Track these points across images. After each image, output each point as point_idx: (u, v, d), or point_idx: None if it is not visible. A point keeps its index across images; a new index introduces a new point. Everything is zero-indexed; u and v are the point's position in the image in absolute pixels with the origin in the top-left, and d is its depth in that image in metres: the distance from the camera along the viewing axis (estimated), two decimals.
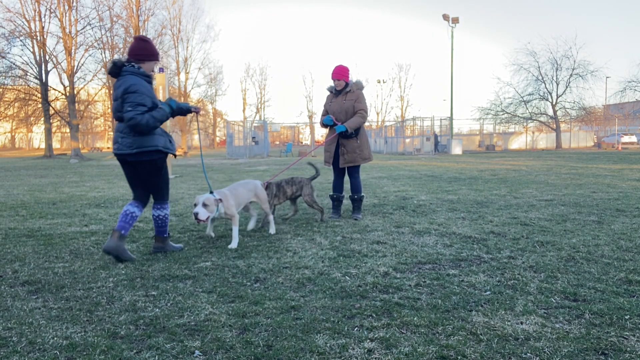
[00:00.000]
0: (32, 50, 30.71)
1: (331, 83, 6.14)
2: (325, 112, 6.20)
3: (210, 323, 2.71)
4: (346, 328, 2.62)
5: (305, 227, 5.48)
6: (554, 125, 42.79)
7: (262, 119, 59.25)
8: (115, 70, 4.11)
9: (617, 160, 19.54)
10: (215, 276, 3.61)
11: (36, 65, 30.88)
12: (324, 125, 6.24)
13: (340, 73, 5.98)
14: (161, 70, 16.38)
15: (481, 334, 2.51)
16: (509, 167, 15.71)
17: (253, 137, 32.15)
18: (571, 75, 42.27)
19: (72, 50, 30.97)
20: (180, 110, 4.37)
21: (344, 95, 5.98)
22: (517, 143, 45.70)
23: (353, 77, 6.13)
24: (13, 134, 58.93)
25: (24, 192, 9.76)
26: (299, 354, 2.33)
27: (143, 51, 4.18)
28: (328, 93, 6.25)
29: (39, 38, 30.46)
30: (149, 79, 4.14)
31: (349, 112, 5.94)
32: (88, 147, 57.01)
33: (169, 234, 4.42)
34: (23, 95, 32.45)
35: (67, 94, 31.40)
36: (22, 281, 3.53)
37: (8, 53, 30.57)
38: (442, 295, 3.12)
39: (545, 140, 45.37)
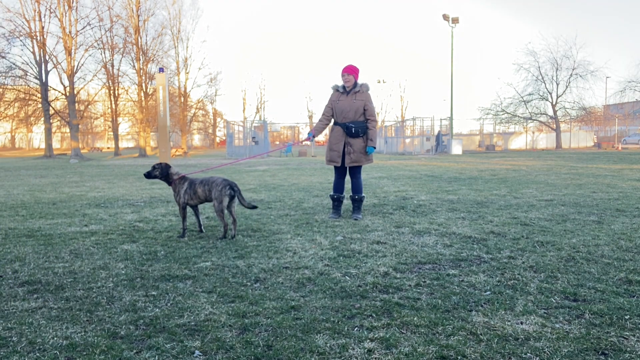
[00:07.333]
0: (32, 50, 30.72)
1: (336, 82, 6.15)
2: (330, 110, 6.12)
3: (210, 323, 2.71)
4: (346, 328, 2.62)
5: (305, 227, 5.48)
6: (554, 125, 42.77)
7: (262, 119, 59.27)
8: None
9: (617, 160, 19.54)
10: (215, 276, 3.61)
11: (36, 65, 30.88)
12: (308, 137, 6.28)
13: (352, 70, 5.99)
14: (161, 70, 16.39)
15: (481, 334, 2.51)
16: (509, 167, 15.71)
17: (253, 137, 32.12)
18: (571, 75, 42.26)
19: (72, 50, 30.96)
20: None
21: (354, 94, 5.99)
22: (517, 143, 45.67)
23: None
24: (13, 134, 58.83)
25: (24, 192, 9.76)
26: (299, 354, 2.32)
27: None
28: (332, 91, 6.19)
29: (38, 38, 30.44)
30: None
31: (358, 111, 5.95)
32: (88, 147, 56.96)
33: None
34: (23, 95, 32.42)
35: (67, 94, 31.39)
36: (22, 281, 3.53)
37: (8, 53, 30.58)
38: (442, 295, 3.12)
39: (545, 140, 45.36)
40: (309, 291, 3.24)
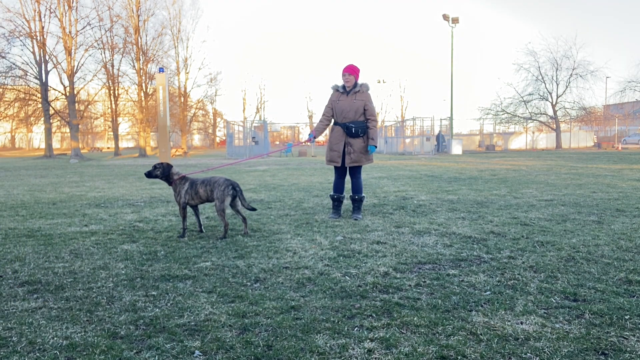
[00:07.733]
0: (32, 50, 30.71)
1: (336, 82, 6.17)
2: (330, 110, 6.13)
3: (210, 323, 2.71)
4: (346, 328, 2.62)
5: (305, 227, 5.48)
6: (554, 125, 42.77)
7: (262, 119, 59.27)
8: None
9: (617, 160, 19.54)
10: (215, 276, 3.61)
11: (36, 65, 30.86)
12: (309, 138, 6.22)
13: (353, 70, 6.00)
14: (161, 70, 16.39)
15: (481, 334, 2.51)
16: (509, 167, 15.71)
17: (253, 137, 32.12)
18: (571, 75, 42.25)
19: (72, 50, 30.96)
20: None
21: (354, 94, 5.99)
22: (517, 143, 45.68)
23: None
24: (13, 134, 58.85)
25: (24, 192, 9.76)
26: (299, 354, 2.33)
27: None
28: (332, 91, 6.19)
29: (38, 38, 30.44)
30: None
31: (358, 111, 5.95)
32: (88, 147, 56.94)
33: None
34: (23, 95, 32.42)
35: (67, 94, 31.39)
36: (22, 281, 3.53)
37: (8, 53, 30.58)
38: (442, 295, 3.12)
39: (545, 140, 45.36)
40: (309, 291, 3.24)
